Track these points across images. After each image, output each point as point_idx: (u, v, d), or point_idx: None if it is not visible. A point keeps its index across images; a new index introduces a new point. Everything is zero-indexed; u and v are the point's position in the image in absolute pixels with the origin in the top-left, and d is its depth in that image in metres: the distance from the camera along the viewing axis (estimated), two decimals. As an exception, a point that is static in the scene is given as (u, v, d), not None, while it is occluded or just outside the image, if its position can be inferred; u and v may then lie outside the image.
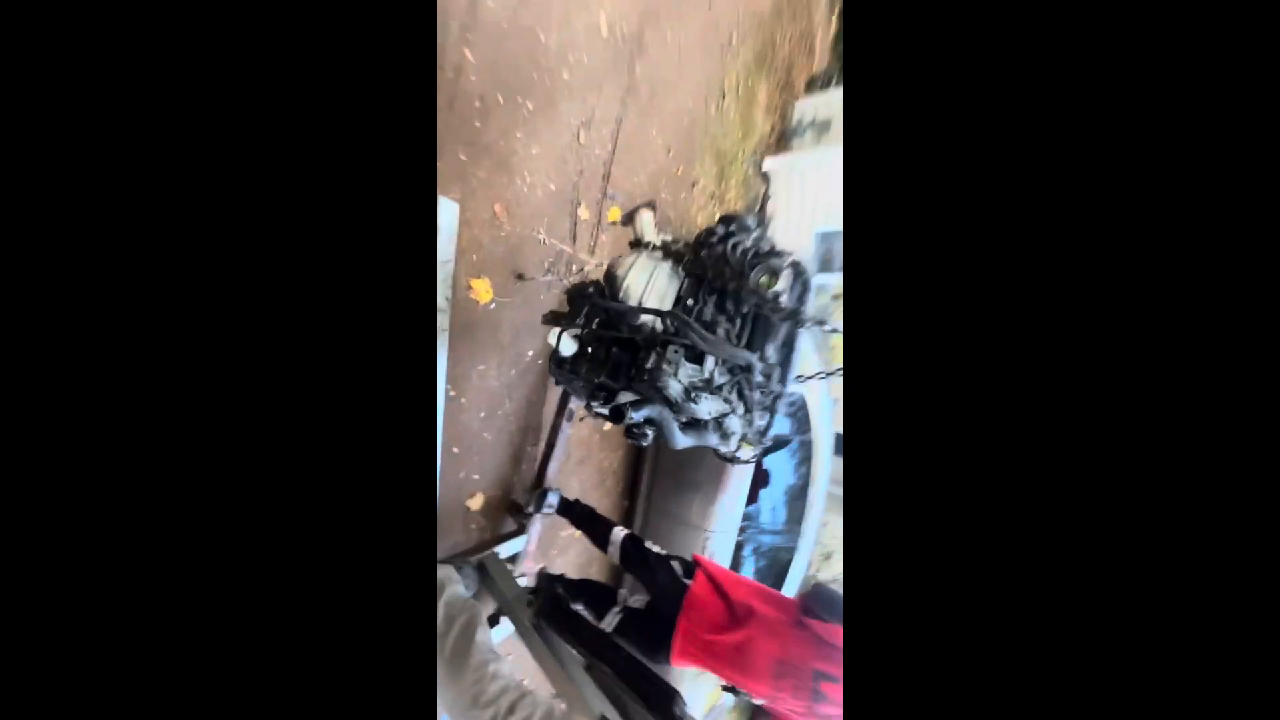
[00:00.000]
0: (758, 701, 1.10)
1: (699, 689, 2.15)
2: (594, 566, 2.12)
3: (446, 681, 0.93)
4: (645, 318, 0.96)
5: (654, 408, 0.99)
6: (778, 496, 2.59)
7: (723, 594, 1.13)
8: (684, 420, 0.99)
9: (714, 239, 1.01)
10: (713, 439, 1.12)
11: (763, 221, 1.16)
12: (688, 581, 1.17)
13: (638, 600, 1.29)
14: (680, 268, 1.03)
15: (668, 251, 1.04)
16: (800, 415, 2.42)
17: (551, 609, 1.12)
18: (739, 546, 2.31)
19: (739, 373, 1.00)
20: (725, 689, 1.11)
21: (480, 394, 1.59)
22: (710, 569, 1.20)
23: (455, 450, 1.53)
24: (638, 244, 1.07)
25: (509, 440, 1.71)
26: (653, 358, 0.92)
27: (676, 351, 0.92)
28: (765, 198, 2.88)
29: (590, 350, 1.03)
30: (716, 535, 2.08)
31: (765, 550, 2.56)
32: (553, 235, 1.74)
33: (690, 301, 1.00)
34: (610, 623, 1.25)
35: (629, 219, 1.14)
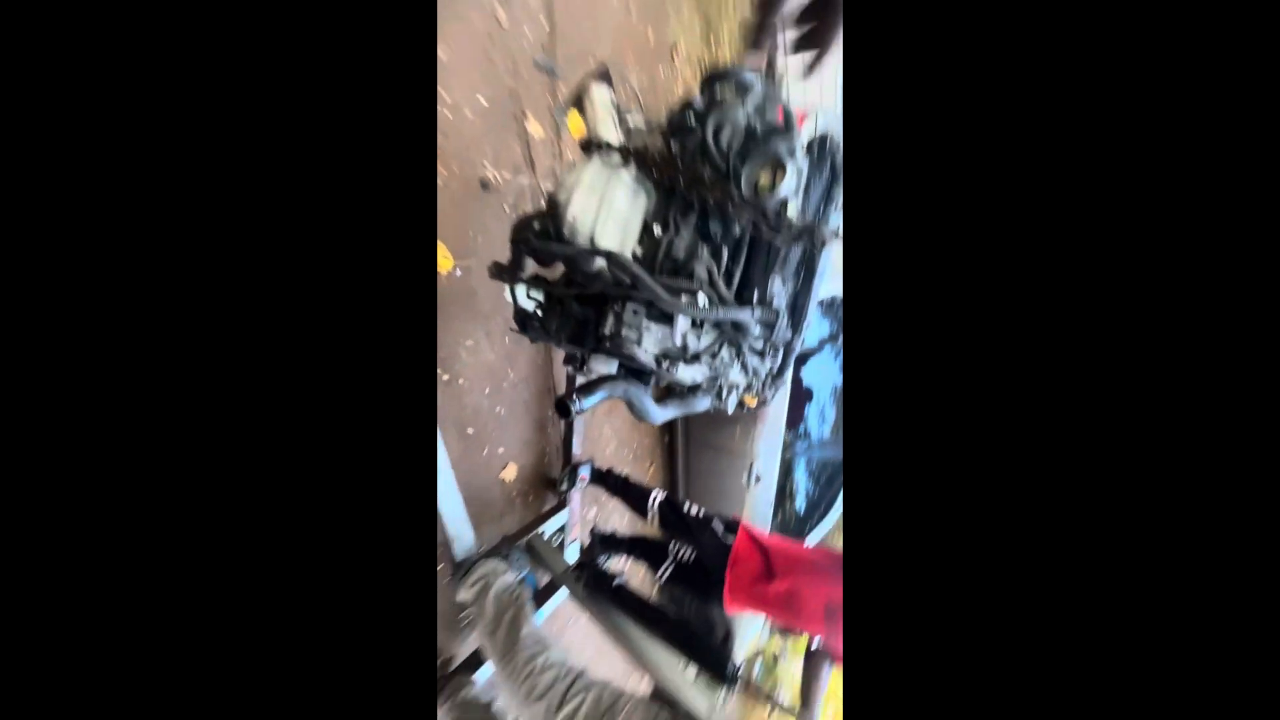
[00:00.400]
0: (813, 641, 1.14)
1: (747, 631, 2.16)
2: (644, 527, 2.12)
3: (502, 679, 0.94)
4: (599, 261, 0.68)
5: (614, 384, 0.78)
6: (825, 401, 2.39)
7: (764, 549, 1.14)
8: (664, 387, 0.79)
9: (689, 121, 0.68)
10: (704, 403, 0.92)
11: (772, 76, 0.75)
12: (730, 539, 1.17)
13: (688, 553, 1.30)
14: (648, 178, 0.71)
15: (629, 155, 0.71)
16: (839, 309, 2.09)
17: (596, 582, 1.18)
18: (788, 466, 2.21)
19: (729, 331, 0.73)
20: (778, 630, 1.10)
21: (478, 371, 1.47)
22: (753, 529, 1.19)
23: (470, 431, 1.47)
24: (592, 146, 0.74)
25: (525, 409, 1.62)
26: (609, 320, 0.69)
27: (636, 312, 0.67)
28: (772, 45, 2.15)
29: (551, 305, 0.79)
30: (762, 457, 1.98)
31: (818, 465, 2.45)
32: (502, 168, 1.41)
33: (659, 229, 0.71)
34: (664, 574, 1.28)
35: (578, 105, 0.79)
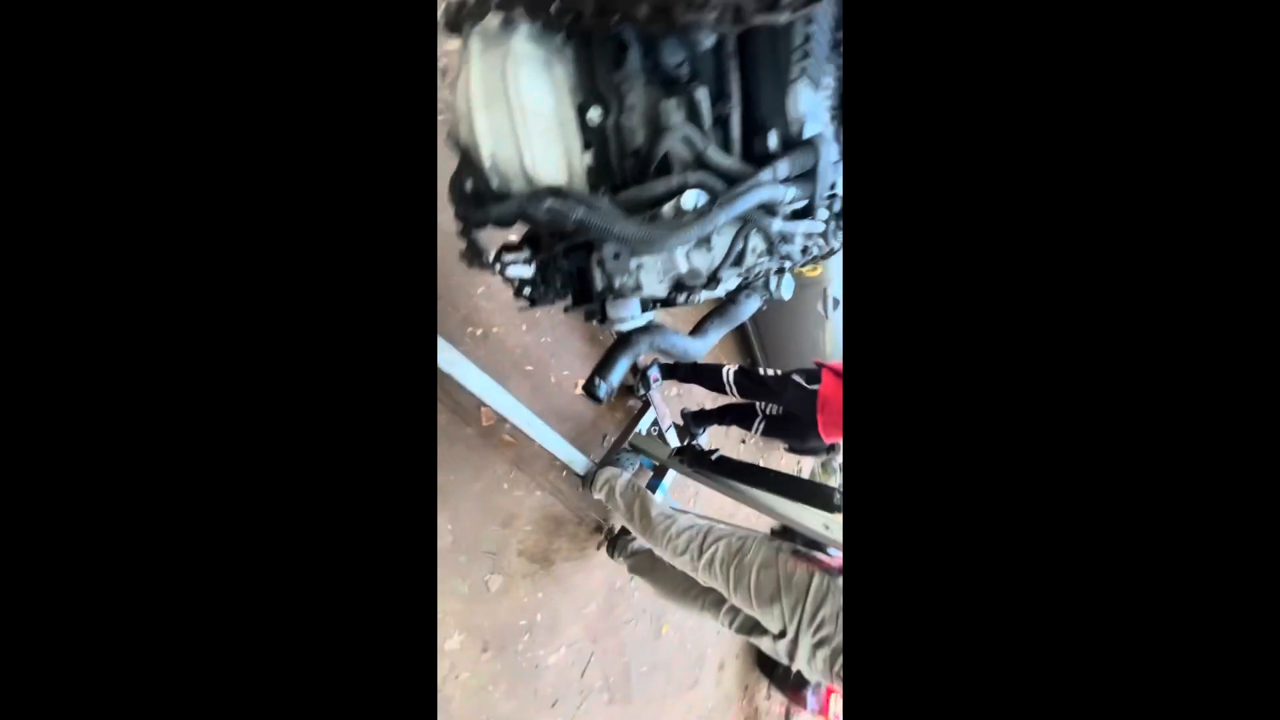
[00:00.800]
0: None
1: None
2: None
3: (651, 546, 1.13)
4: (549, 203, 0.48)
5: (633, 347, 0.61)
6: None
7: None
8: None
9: None
10: (751, 305, 0.72)
11: None
12: (815, 387, 1.18)
13: (775, 409, 1.37)
14: (547, 28, 0.48)
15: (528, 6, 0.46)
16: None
17: (697, 461, 1.27)
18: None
19: (755, 216, 0.50)
20: None
21: (505, 312, 1.42)
22: (834, 367, 1.18)
23: (529, 368, 1.46)
24: (456, 16, 0.51)
25: (569, 327, 1.57)
26: (595, 273, 0.53)
27: (618, 255, 0.51)
28: None
29: (540, 267, 0.61)
30: (836, 277, 1.74)
31: None
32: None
33: (596, 114, 0.49)
34: (757, 430, 1.38)
35: None
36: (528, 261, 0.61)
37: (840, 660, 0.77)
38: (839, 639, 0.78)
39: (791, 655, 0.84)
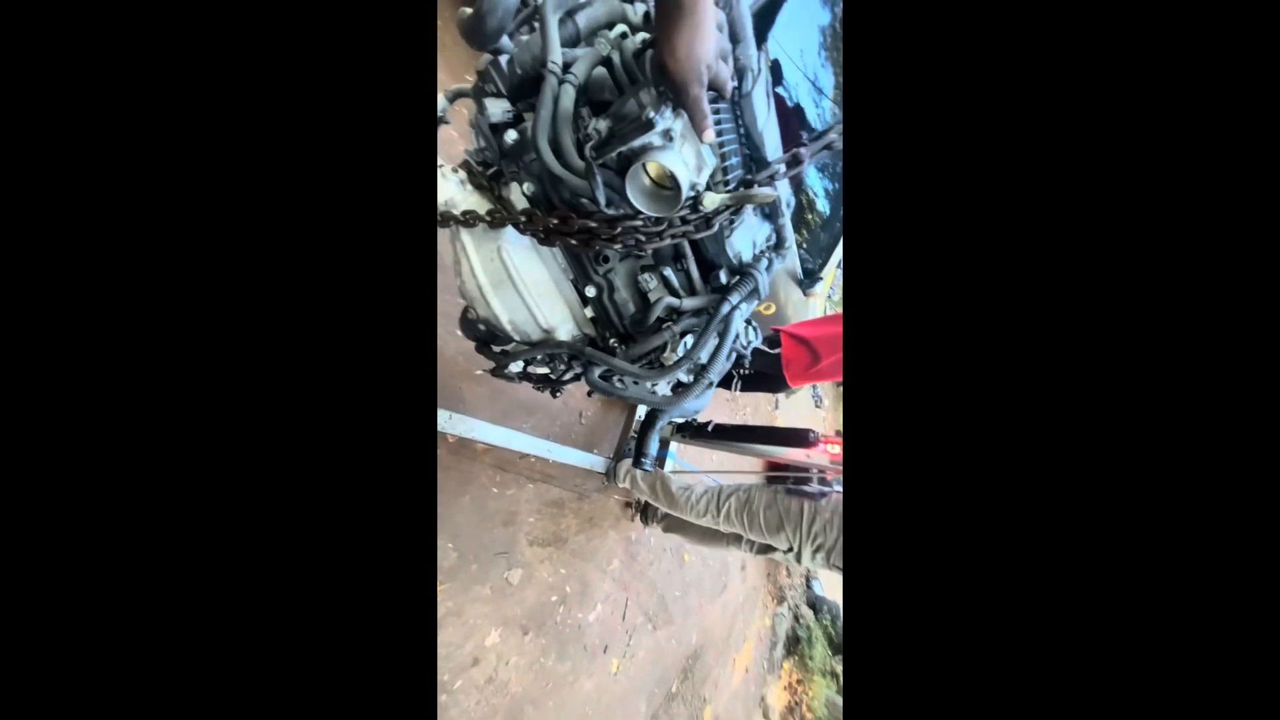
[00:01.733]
0: None
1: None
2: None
3: (677, 514, 1.39)
4: (564, 343, 0.72)
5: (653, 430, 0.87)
6: (809, 90, 1.90)
7: (808, 344, 1.33)
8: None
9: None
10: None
11: None
12: (777, 351, 1.35)
13: (747, 370, 1.57)
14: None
15: (493, 218, 0.62)
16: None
17: (696, 433, 1.58)
18: (798, 183, 1.95)
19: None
20: None
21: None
22: (791, 330, 1.36)
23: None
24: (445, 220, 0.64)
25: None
26: (616, 384, 0.72)
27: (622, 382, 0.71)
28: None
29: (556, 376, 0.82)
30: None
31: (828, 159, 2.12)
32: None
33: (590, 290, 0.68)
34: (736, 387, 1.56)
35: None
36: (546, 366, 0.79)
37: (833, 555, 1.12)
38: (828, 542, 1.13)
39: (799, 559, 1.18)
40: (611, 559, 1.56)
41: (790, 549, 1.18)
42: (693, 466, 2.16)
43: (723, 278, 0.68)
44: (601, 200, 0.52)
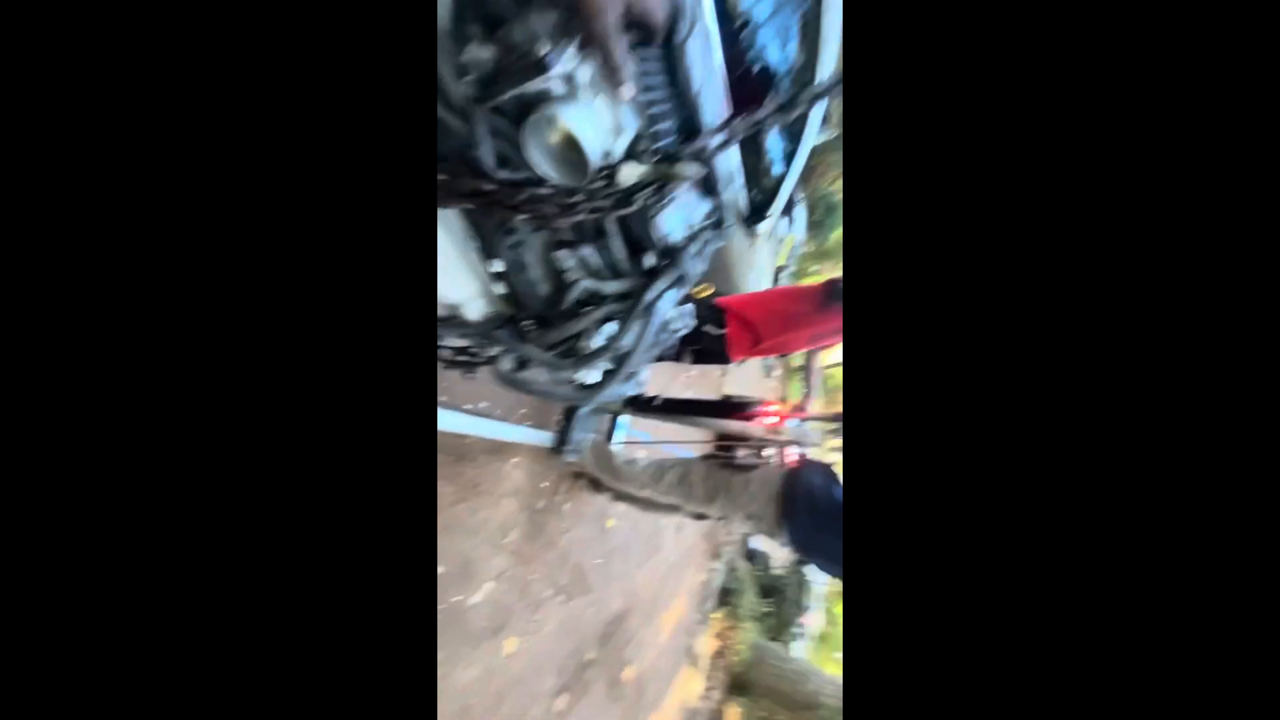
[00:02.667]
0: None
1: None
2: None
3: (622, 486, 1.44)
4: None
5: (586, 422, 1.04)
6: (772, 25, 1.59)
7: (752, 326, 1.34)
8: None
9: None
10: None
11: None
12: (723, 332, 1.35)
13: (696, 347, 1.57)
14: None
15: None
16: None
17: (643, 406, 1.52)
18: (755, 143, 1.67)
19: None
20: None
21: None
22: (735, 308, 1.37)
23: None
24: None
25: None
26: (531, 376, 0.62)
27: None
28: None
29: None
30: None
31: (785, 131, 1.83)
32: None
33: (498, 265, 0.56)
34: (687, 360, 1.54)
35: None
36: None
37: (761, 522, 1.18)
38: (756, 509, 1.18)
39: (730, 523, 1.29)
40: (508, 532, 1.33)
41: (722, 516, 1.27)
42: (648, 436, 2.03)
43: (649, 262, 0.57)
44: (487, 157, 0.40)
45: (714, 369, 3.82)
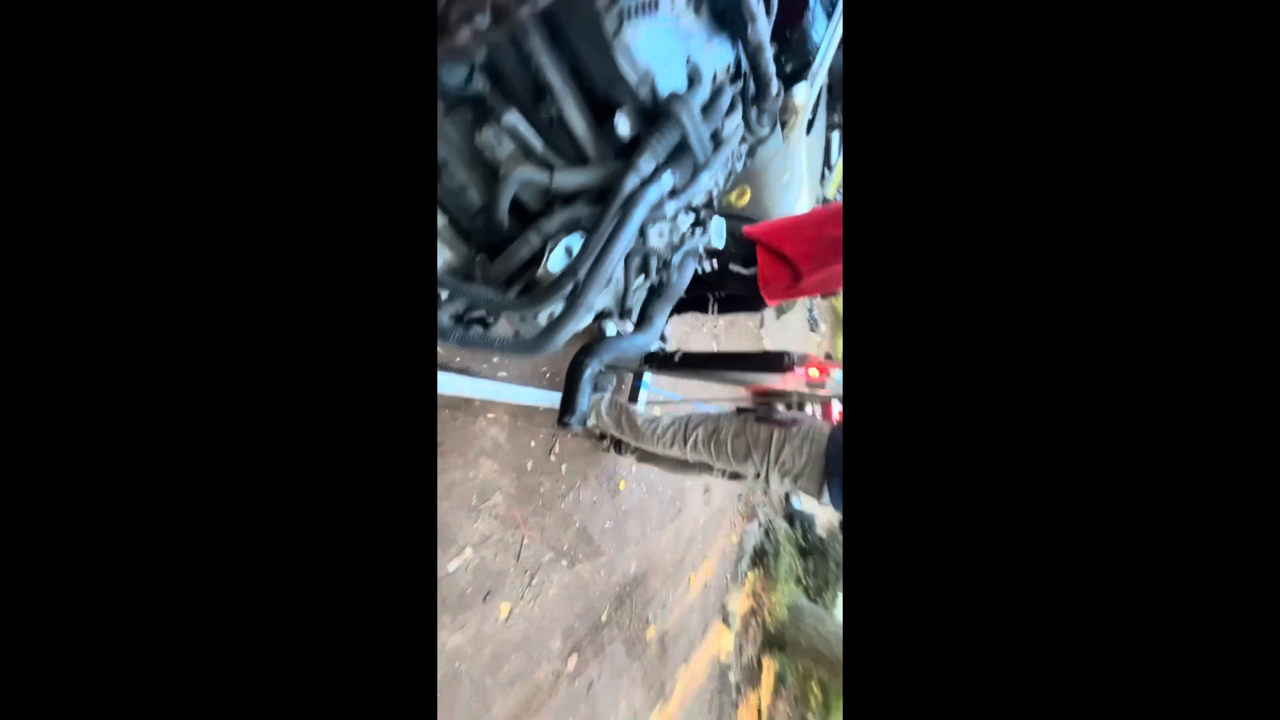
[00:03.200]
0: None
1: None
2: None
3: (646, 447, 1.31)
4: None
5: (591, 379, 0.72)
6: None
7: (786, 260, 1.15)
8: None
9: None
10: (687, 272, 0.72)
11: None
12: (752, 271, 1.19)
13: (722, 293, 1.35)
14: None
15: None
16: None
17: (663, 363, 1.32)
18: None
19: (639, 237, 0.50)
20: None
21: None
22: (766, 240, 1.18)
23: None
24: None
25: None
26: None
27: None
28: None
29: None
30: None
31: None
32: None
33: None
34: (713, 311, 1.40)
35: None
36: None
37: (801, 479, 1.06)
38: (795, 467, 1.06)
39: (767, 484, 1.14)
40: (490, 494, 1.22)
41: (757, 475, 1.15)
42: (675, 395, 1.88)
43: (623, 129, 0.38)
44: None
45: (748, 322, 3.38)
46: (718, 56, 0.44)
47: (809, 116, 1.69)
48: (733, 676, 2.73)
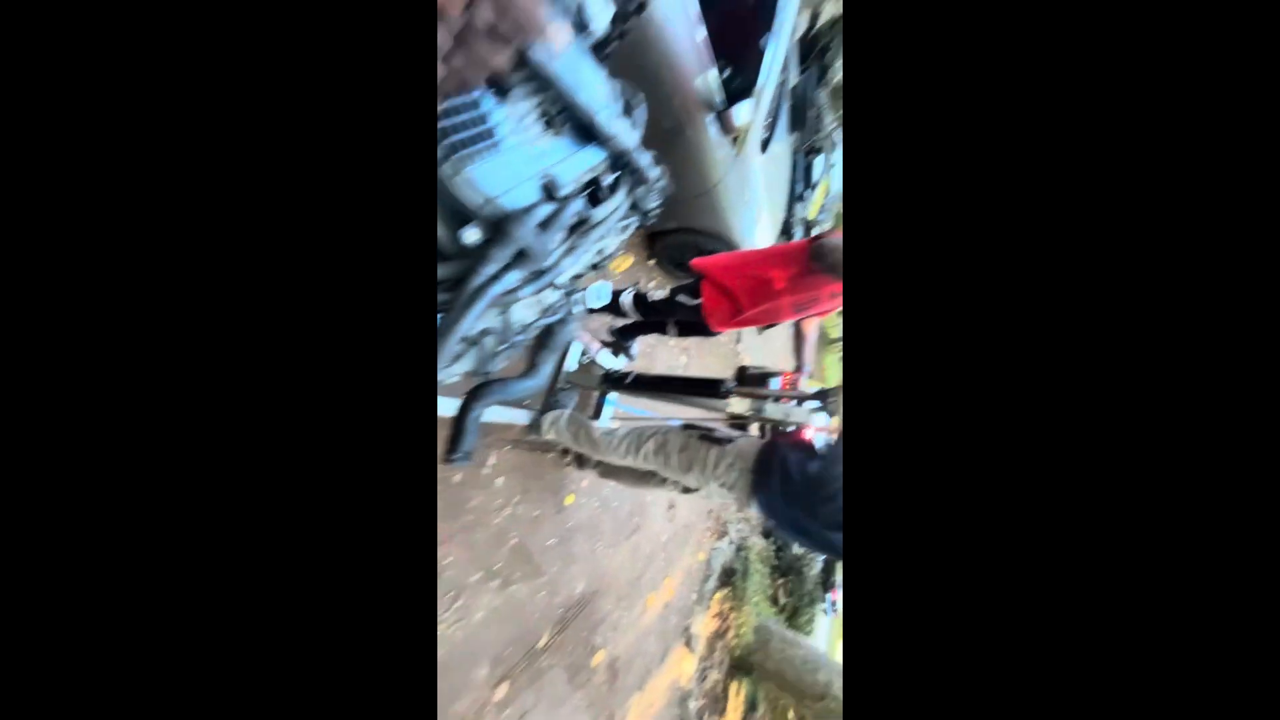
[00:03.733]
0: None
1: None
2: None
3: (601, 458, 1.36)
4: None
5: (472, 413, 0.76)
6: None
7: (729, 293, 1.26)
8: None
9: None
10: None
11: None
12: (698, 302, 1.30)
13: (675, 320, 1.49)
14: None
15: None
16: None
17: (617, 383, 1.51)
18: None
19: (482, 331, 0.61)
20: None
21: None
22: (712, 275, 1.28)
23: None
24: None
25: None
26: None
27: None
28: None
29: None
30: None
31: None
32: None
33: None
34: (672, 333, 1.55)
35: None
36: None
37: (735, 490, 1.12)
38: (729, 481, 1.13)
39: (708, 494, 1.24)
40: (406, 509, 1.13)
41: (699, 487, 1.24)
42: (644, 411, 1.90)
43: (471, 238, 0.48)
44: None
45: (722, 336, 3.41)
46: (585, 161, 0.55)
47: (762, 135, 1.70)
48: (694, 704, 2.60)
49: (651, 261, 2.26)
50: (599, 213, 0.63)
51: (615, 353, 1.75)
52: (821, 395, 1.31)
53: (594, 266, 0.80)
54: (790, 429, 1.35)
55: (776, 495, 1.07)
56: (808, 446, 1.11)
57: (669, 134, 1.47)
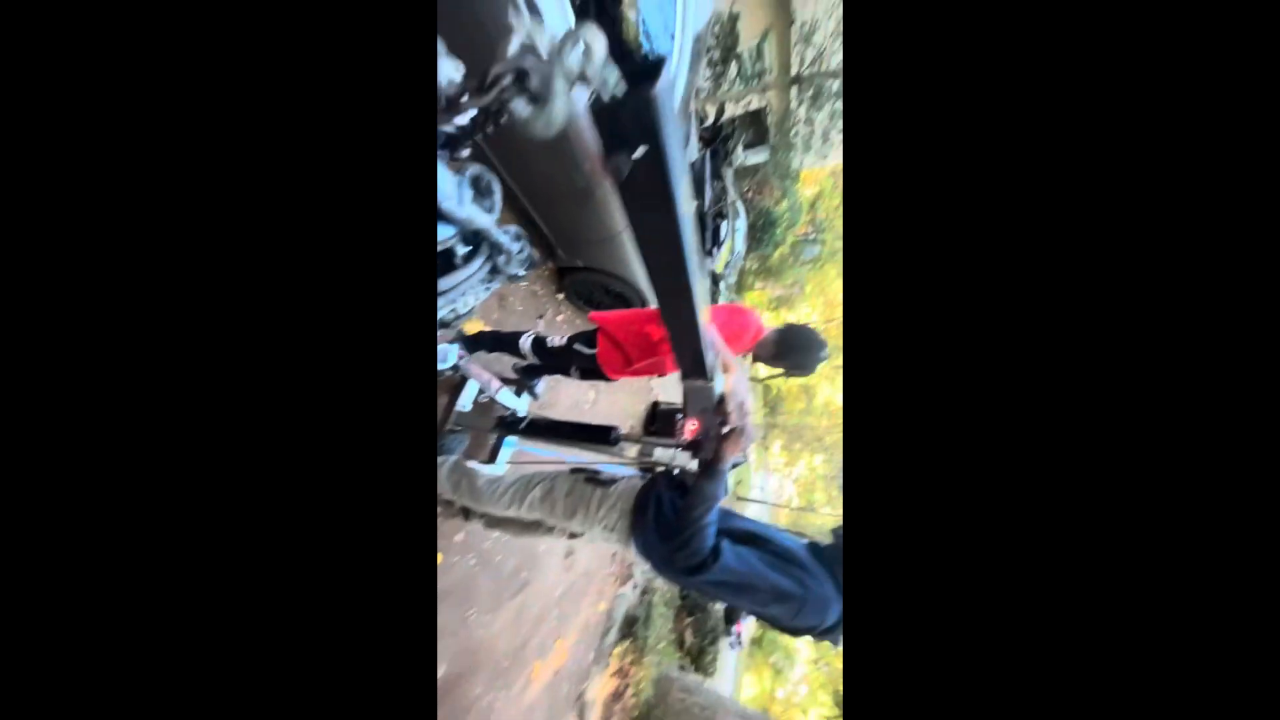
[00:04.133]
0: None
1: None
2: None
3: (485, 510, 1.33)
4: None
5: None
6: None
7: (621, 346, 1.37)
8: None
9: None
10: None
11: None
12: (593, 351, 1.40)
13: (575, 366, 1.56)
14: None
15: None
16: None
17: (510, 426, 1.50)
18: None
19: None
20: None
21: None
22: (608, 328, 1.38)
23: None
24: None
25: None
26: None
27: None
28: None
29: None
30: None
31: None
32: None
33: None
34: (575, 376, 1.56)
35: None
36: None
37: (616, 531, 1.09)
38: (611, 521, 1.11)
39: (591, 538, 1.20)
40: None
41: (583, 532, 1.22)
42: (546, 451, 1.74)
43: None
44: None
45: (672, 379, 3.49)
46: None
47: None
48: (585, 786, 2.29)
49: (560, 295, 2.23)
50: (446, 282, 0.72)
51: (518, 391, 1.74)
52: (694, 446, 1.35)
53: (443, 325, 0.87)
54: (676, 472, 1.37)
55: (651, 533, 1.05)
56: (679, 482, 1.12)
57: (581, 192, 1.60)
